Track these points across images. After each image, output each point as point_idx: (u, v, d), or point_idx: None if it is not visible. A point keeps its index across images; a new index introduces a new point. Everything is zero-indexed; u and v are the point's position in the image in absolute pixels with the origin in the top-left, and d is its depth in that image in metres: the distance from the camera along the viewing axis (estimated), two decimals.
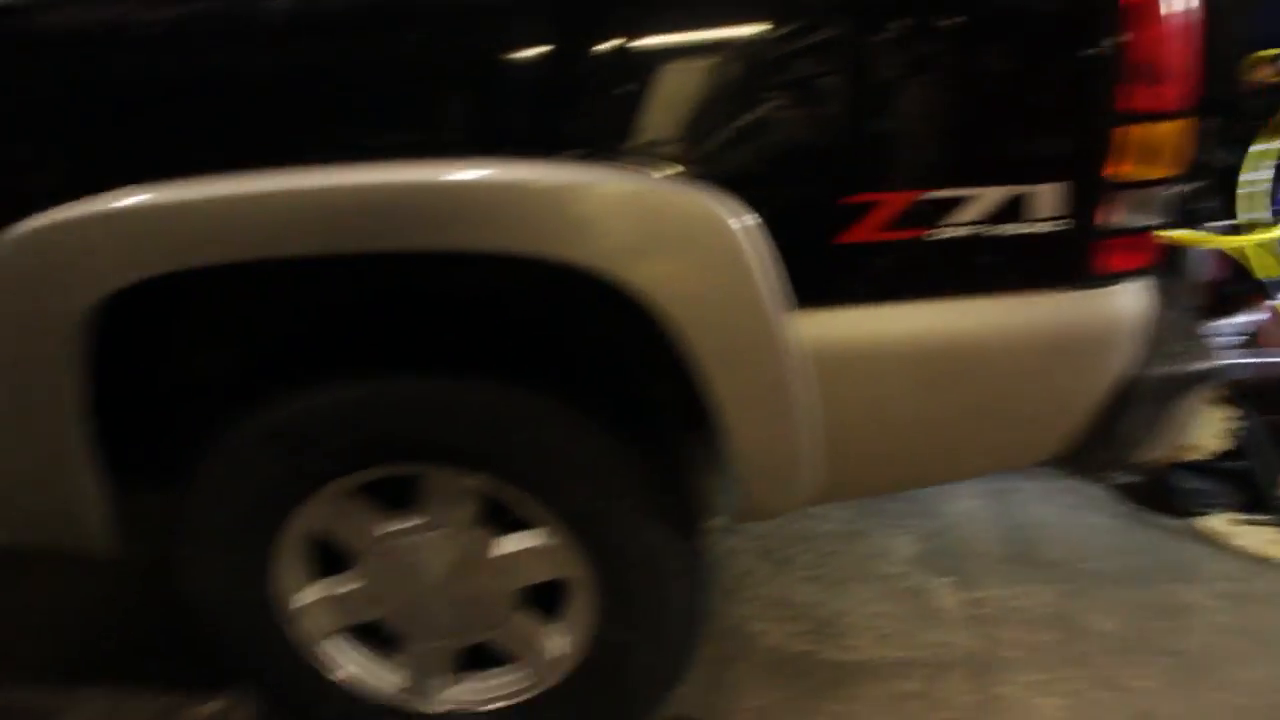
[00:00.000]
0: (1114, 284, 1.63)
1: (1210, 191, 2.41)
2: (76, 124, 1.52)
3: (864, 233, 1.53)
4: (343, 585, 1.91)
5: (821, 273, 1.56)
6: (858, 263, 1.55)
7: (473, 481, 1.75)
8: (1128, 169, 1.54)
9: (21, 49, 1.51)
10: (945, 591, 2.42)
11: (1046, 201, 1.54)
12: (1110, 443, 1.74)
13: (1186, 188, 2.42)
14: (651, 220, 1.50)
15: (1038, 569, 2.47)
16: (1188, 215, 2.43)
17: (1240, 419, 2.57)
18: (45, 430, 1.67)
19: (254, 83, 1.49)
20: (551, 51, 1.49)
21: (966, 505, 2.68)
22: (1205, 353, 1.81)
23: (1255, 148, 2.24)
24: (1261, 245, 2.29)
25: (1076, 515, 2.65)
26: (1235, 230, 2.31)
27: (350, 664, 1.98)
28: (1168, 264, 2.60)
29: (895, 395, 1.64)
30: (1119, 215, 1.57)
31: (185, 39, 1.49)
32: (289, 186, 1.47)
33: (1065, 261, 1.59)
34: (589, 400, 1.71)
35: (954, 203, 1.52)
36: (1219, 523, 2.61)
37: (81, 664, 2.43)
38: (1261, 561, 2.50)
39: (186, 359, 1.90)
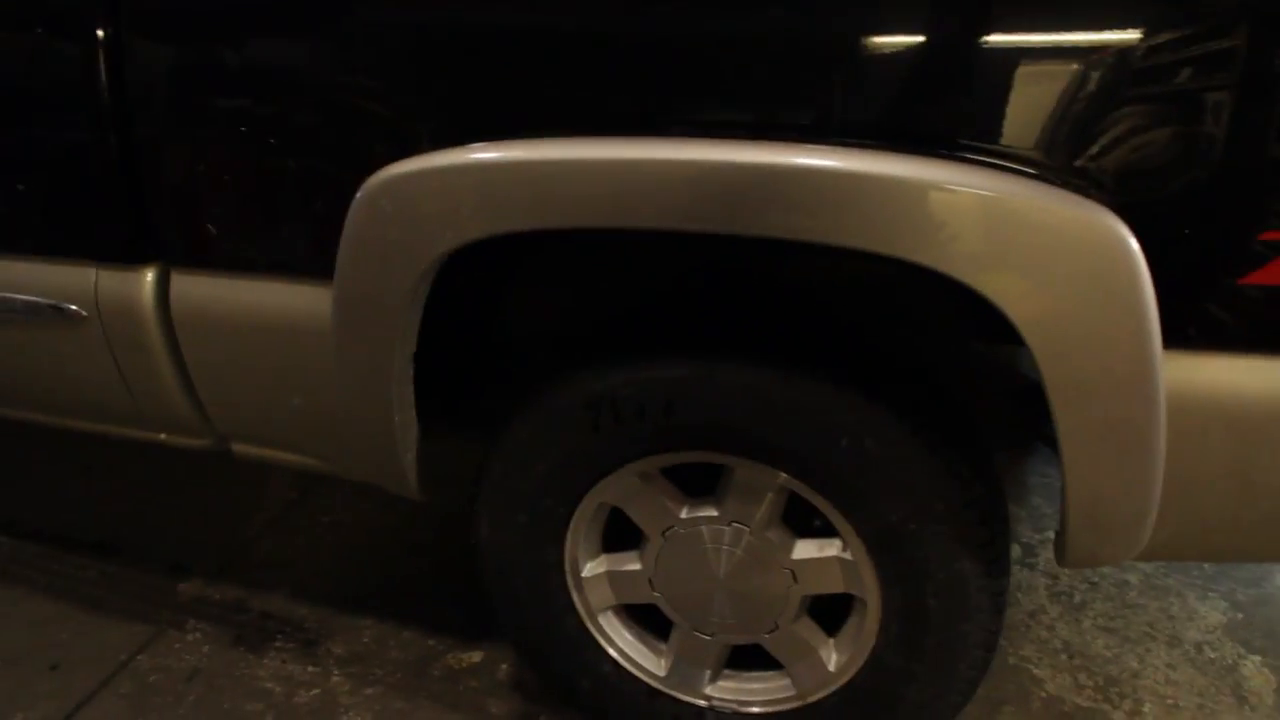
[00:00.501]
0: None
1: None
2: (448, 74, 1.50)
3: (1275, 275, 1.34)
4: (629, 563, 1.87)
5: (1213, 313, 1.38)
6: (1259, 308, 1.36)
7: (779, 480, 1.66)
8: None
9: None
10: (1254, 670, 2.18)
11: None
12: None
13: None
14: (1024, 229, 1.35)
15: None
16: None
17: None
18: (379, 369, 1.68)
19: (621, 46, 1.43)
20: (926, 38, 1.35)
21: None
22: None
23: None
24: None
25: None
26: None
27: (620, 642, 1.95)
28: None
29: (1271, 460, 1.45)
30: None
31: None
32: (654, 156, 1.40)
33: None
34: (921, 415, 1.58)
35: None
36: None
37: (360, 591, 2.51)
38: None
39: (520, 316, 1.89)
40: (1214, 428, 1.43)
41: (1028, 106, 1.34)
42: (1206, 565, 2.42)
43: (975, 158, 1.36)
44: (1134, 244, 1.32)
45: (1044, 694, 2.14)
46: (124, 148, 1.71)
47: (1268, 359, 1.40)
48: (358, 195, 1.55)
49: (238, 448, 2.02)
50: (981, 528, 1.61)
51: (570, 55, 1.45)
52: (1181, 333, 1.39)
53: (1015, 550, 2.46)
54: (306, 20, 1.56)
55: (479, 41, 1.48)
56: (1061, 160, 1.34)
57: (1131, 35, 1.29)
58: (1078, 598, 2.35)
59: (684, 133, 1.42)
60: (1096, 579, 2.40)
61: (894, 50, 1.36)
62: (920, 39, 1.35)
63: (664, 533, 1.79)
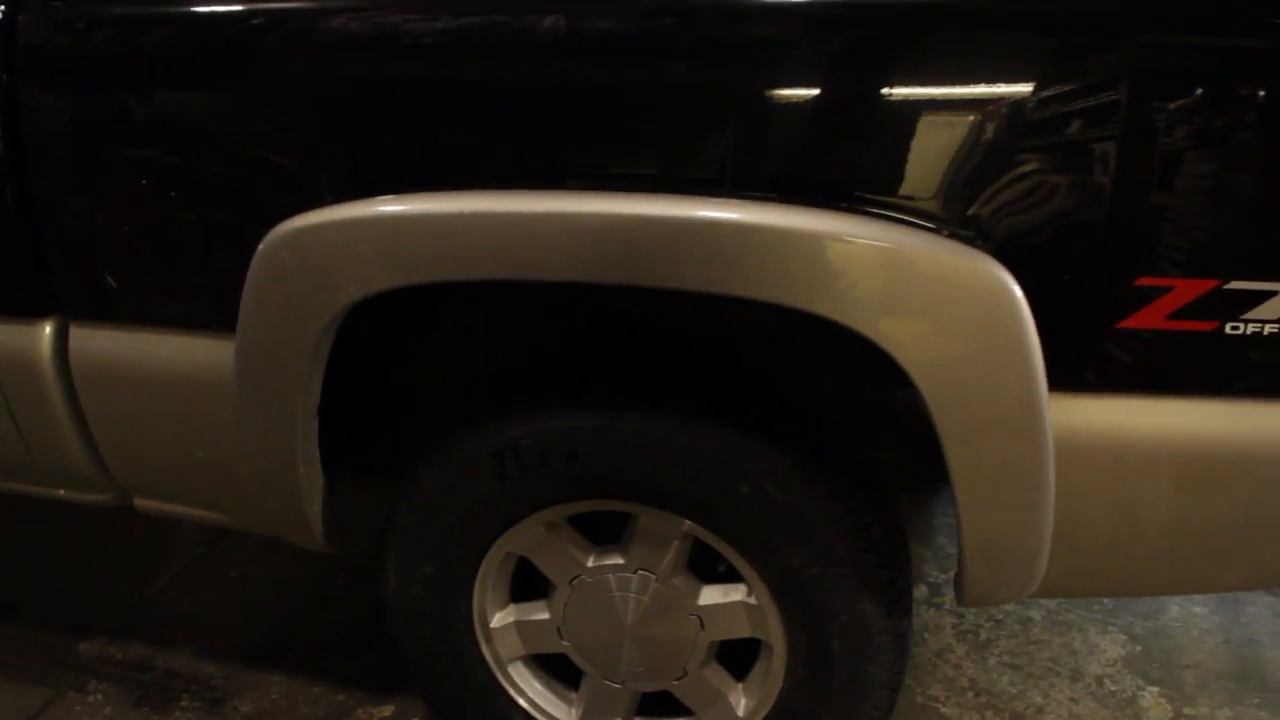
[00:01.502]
0: None
1: None
2: (351, 128, 1.51)
3: (1149, 319, 1.39)
4: (537, 613, 1.87)
5: (1094, 356, 1.43)
6: (1136, 350, 1.42)
7: (684, 527, 1.67)
8: None
9: (302, 50, 1.51)
10: (1153, 701, 2.24)
11: None
12: None
13: None
14: (918, 279, 1.39)
15: (1261, 692, 2.26)
16: None
17: None
18: (282, 422, 1.67)
19: (522, 100, 1.45)
20: (823, 94, 1.39)
21: (1187, 610, 2.47)
22: None
23: None
24: None
25: None
26: None
27: (530, 692, 1.95)
28: None
29: (1155, 496, 1.50)
30: None
31: (460, 50, 1.46)
32: (556, 209, 1.43)
33: None
34: (820, 461, 1.61)
35: (1258, 297, 1.37)
36: None
37: (269, 647, 2.47)
38: None
39: (427, 366, 1.89)
40: (1100, 466, 1.48)
41: (916, 159, 1.39)
42: (1105, 600, 2.48)
43: (868, 210, 1.40)
44: (1018, 291, 1.37)
45: None
46: (20, 199, 1.68)
47: (1148, 399, 1.45)
48: (260, 248, 1.55)
49: (140, 502, 1.99)
50: (882, 569, 1.64)
51: (472, 108, 1.47)
52: (1066, 375, 1.43)
53: (921, 590, 2.50)
54: (208, 71, 1.56)
55: (380, 94, 1.49)
56: (949, 211, 1.39)
57: (1015, 91, 1.35)
58: (983, 635, 2.40)
59: (586, 186, 1.44)
60: (1001, 616, 2.45)
61: (789, 104, 1.40)
62: (814, 93, 1.39)
63: (571, 581, 1.80)
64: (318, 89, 1.52)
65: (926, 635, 2.40)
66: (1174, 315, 1.39)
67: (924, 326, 1.41)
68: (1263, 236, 1.38)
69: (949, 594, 2.50)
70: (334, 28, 1.49)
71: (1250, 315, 1.39)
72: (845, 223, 1.40)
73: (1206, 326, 1.40)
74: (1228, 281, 1.37)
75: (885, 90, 1.37)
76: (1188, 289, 1.38)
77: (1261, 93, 1.33)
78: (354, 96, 1.50)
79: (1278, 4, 1.30)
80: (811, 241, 1.39)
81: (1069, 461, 1.46)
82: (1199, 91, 1.33)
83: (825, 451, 1.64)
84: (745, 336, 1.70)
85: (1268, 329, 1.39)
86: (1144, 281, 1.38)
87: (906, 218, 1.40)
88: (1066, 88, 1.35)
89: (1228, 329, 1.39)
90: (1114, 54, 1.34)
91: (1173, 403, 1.45)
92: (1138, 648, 2.38)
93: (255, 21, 1.52)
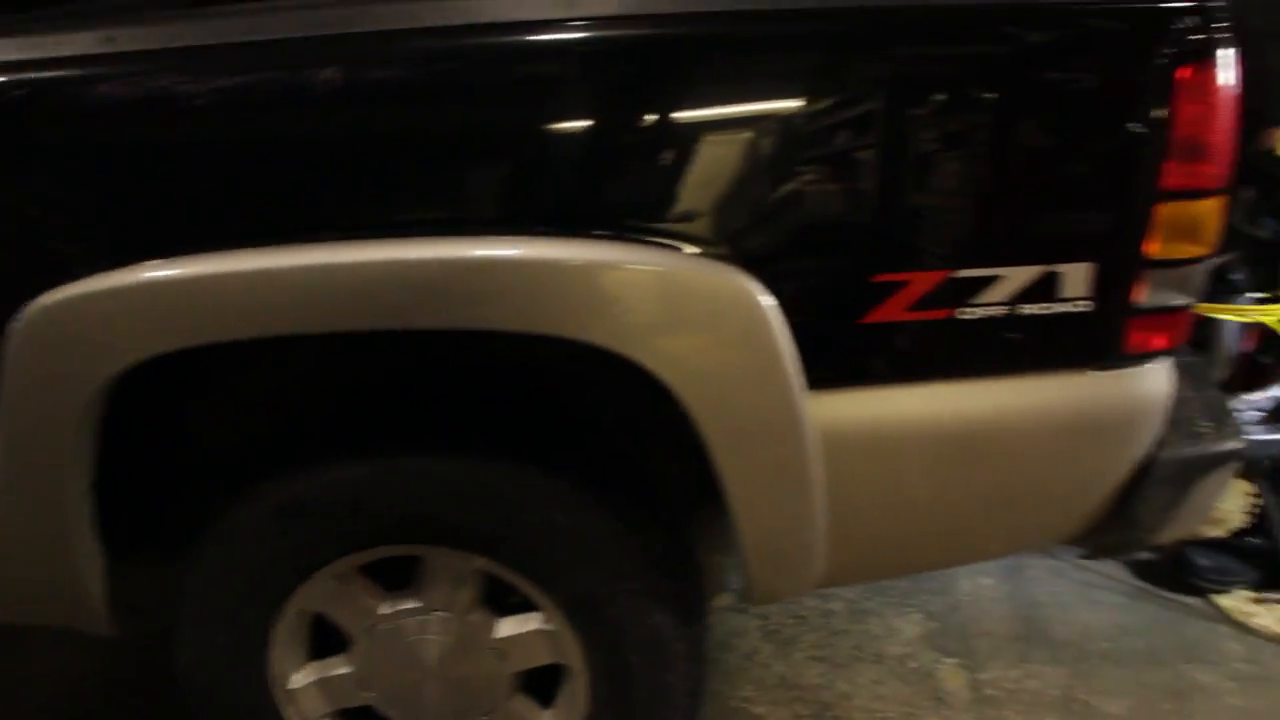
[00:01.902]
0: (1143, 363, 1.57)
1: (1245, 262, 2.38)
2: (99, 196, 1.47)
3: (890, 312, 1.47)
4: (337, 668, 1.83)
5: (845, 353, 1.51)
6: (882, 343, 1.50)
7: (475, 564, 1.67)
8: (1164, 247, 1.49)
9: (48, 120, 1.47)
10: (951, 673, 2.35)
11: (1080, 281, 1.49)
12: (1130, 524, 1.69)
13: (1221, 259, 2.42)
14: (671, 299, 1.44)
15: (1047, 649, 2.40)
16: (1222, 287, 2.41)
17: (1259, 495, 2.51)
18: (51, 503, 1.60)
19: (276, 156, 1.44)
20: (579, 128, 1.44)
21: (976, 583, 2.60)
22: (1233, 432, 1.76)
23: None
24: None
25: (1089, 594, 2.58)
26: (1266, 301, 2.27)
27: None
28: (1198, 338, 2.58)
29: (915, 478, 1.58)
30: (1152, 294, 1.52)
31: (209, 111, 1.43)
32: (304, 263, 1.42)
33: (1095, 341, 1.54)
34: (599, 482, 1.64)
35: (984, 283, 1.47)
36: (1236, 601, 2.54)
37: None
38: (1278, 641, 2.43)
39: (196, 433, 1.84)
40: (863, 456, 1.56)
41: (668, 185, 1.44)
42: (901, 583, 2.58)
43: (631, 236, 1.44)
44: (767, 300, 1.43)
45: None
46: None
47: (900, 387, 1.54)
48: (15, 326, 1.48)
49: None
50: (670, 581, 1.68)
51: (230, 168, 1.45)
52: (822, 374, 1.50)
53: (725, 598, 2.56)
54: None
55: (134, 162, 1.45)
56: (702, 231, 1.44)
57: (749, 112, 1.43)
58: (788, 633, 2.47)
59: (351, 235, 1.44)
60: (804, 613, 2.52)
61: (550, 141, 1.44)
62: (571, 129, 1.44)
63: (368, 631, 1.77)
64: (65, 160, 1.47)
65: (734, 640, 2.45)
66: (913, 307, 1.47)
67: (682, 345, 1.46)
68: (983, 227, 1.48)
69: None
70: (77, 94, 1.45)
71: (979, 300, 1.48)
72: (604, 250, 1.43)
73: (942, 314, 1.48)
74: (957, 270, 1.46)
75: (632, 122, 1.43)
76: (923, 281, 1.46)
77: (979, 96, 1.44)
78: (104, 164, 1.46)
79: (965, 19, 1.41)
80: (570, 272, 1.42)
81: (833, 455, 1.53)
82: (918, 99, 1.43)
83: (607, 474, 1.67)
84: (524, 370, 1.71)
85: (995, 311, 1.48)
86: (882, 278, 1.46)
87: (664, 241, 1.45)
88: (794, 106, 1.43)
89: (964, 315, 1.48)
90: (833, 72, 1.43)
91: (922, 388, 1.53)
92: (934, 624, 2.48)
93: None
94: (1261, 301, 2.29)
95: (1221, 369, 2.54)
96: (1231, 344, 2.52)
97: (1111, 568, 2.68)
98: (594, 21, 1.41)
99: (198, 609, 1.76)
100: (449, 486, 1.60)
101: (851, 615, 2.50)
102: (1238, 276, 2.41)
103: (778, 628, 2.48)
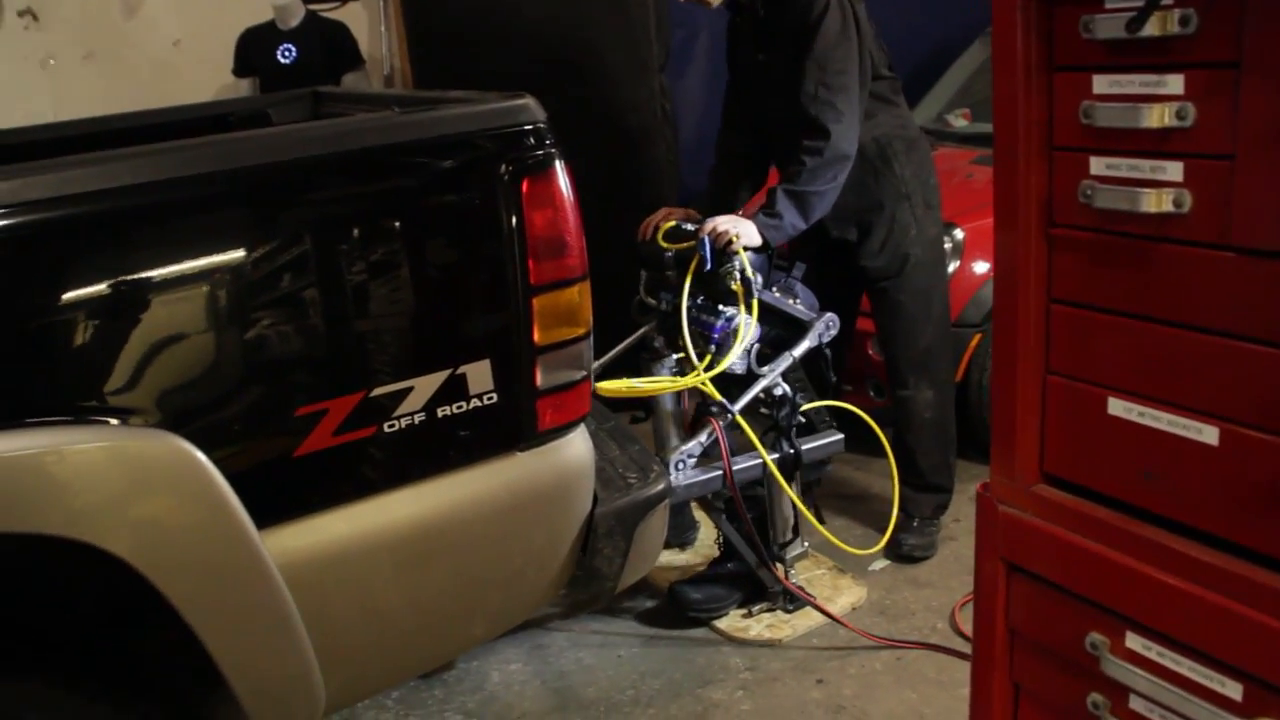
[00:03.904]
0: (560, 436, 1.80)
1: (659, 330, 2.73)
2: None
3: (319, 441, 1.59)
4: None
5: (288, 487, 1.60)
6: (320, 470, 1.61)
7: None
8: (546, 334, 1.73)
9: None
10: None
11: (484, 376, 1.69)
12: (593, 575, 1.90)
13: (641, 332, 2.78)
14: (109, 474, 1.47)
15: (581, 712, 2.58)
16: (649, 355, 2.74)
17: (719, 527, 2.86)
18: None
19: None
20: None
21: (505, 671, 2.75)
22: (658, 478, 2.03)
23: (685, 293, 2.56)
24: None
25: (607, 652, 2.80)
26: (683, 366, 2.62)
27: None
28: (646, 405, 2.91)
29: (384, 587, 1.70)
30: (549, 375, 1.75)
31: None
32: None
33: (513, 426, 1.75)
34: (97, 678, 1.62)
35: (400, 395, 1.63)
36: (730, 621, 2.86)
37: None
38: (769, 645, 2.76)
39: None
40: (331, 578, 1.66)
41: (96, 363, 1.49)
42: (435, 690, 2.68)
43: (64, 419, 1.46)
44: (201, 456, 1.49)
45: None
46: None
47: (350, 505, 1.65)
48: None
49: None
50: None
51: None
52: (273, 510, 1.59)
53: None
54: None
55: None
56: (133, 403, 1.50)
57: (156, 279, 1.51)
58: None
59: None
60: None
61: None
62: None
63: None
64: None
65: None
66: (339, 431, 1.60)
67: (128, 517, 1.49)
68: (389, 344, 1.65)
69: None
70: None
71: (399, 412, 1.64)
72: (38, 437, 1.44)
73: (369, 432, 1.63)
74: (371, 390, 1.62)
75: (44, 306, 1.46)
76: (342, 406, 1.60)
77: (361, 228, 1.61)
78: None
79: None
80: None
81: (300, 585, 1.61)
82: (305, 240, 1.58)
83: (101, 669, 1.65)
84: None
85: (417, 418, 1.65)
86: (303, 411, 1.58)
87: (97, 418, 1.48)
88: (193, 266, 1.54)
89: (387, 428, 1.63)
90: (220, 230, 1.56)
91: (368, 503, 1.66)
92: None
93: None
94: (680, 363, 2.65)
95: (668, 425, 2.89)
96: (669, 404, 2.88)
97: (622, 623, 2.92)
98: None
99: None
100: None
101: None
102: (657, 343, 2.77)
103: None
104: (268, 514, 1.57)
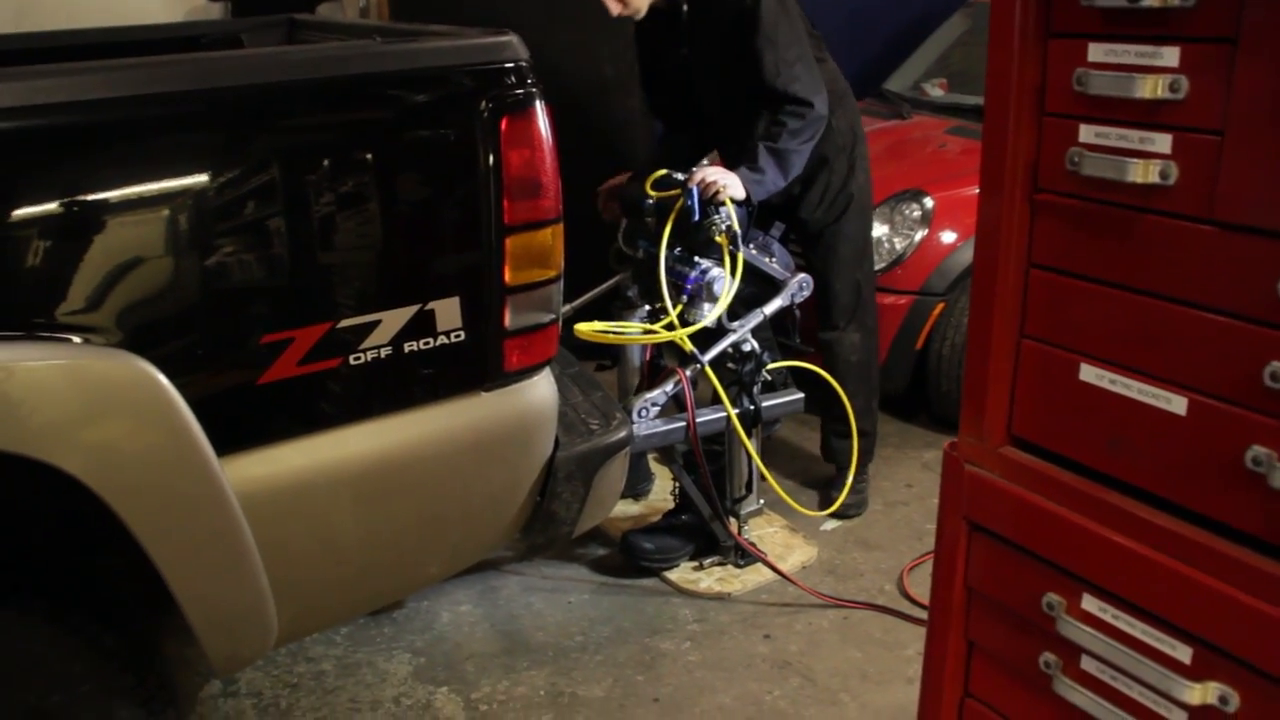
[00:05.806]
0: (525, 378, 1.80)
1: (634, 279, 2.73)
2: None
3: (283, 370, 1.58)
4: None
5: (250, 415, 1.59)
6: (283, 399, 1.60)
7: None
8: (517, 274, 1.72)
9: None
10: (446, 700, 2.48)
11: (452, 314, 1.68)
12: (550, 520, 1.91)
13: (617, 279, 2.78)
14: (68, 393, 1.44)
15: (529, 655, 2.60)
16: (621, 304, 2.75)
17: (677, 478, 2.87)
18: None
19: None
20: None
21: (455, 612, 2.76)
22: (619, 425, 2.03)
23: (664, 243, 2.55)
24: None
25: (558, 598, 2.82)
26: (655, 317, 2.62)
27: None
28: (612, 352, 2.91)
29: (342, 520, 1.70)
30: (518, 317, 1.74)
31: None
32: None
33: (479, 365, 1.74)
34: (55, 602, 1.60)
35: (367, 328, 1.62)
36: (681, 573, 2.88)
37: None
38: (719, 598, 2.79)
39: None
40: (288, 509, 1.65)
41: (57, 276, 1.46)
42: (385, 628, 2.69)
43: (18, 335, 1.43)
44: (162, 379, 1.48)
45: None
46: None
47: (310, 437, 1.65)
48: None
49: None
50: (127, 675, 1.67)
51: None
52: (233, 438, 1.57)
53: (215, 686, 2.53)
54: None
55: None
56: (95, 321, 1.47)
57: (126, 198, 1.49)
58: (284, 703, 2.48)
59: None
60: (295, 680, 2.55)
61: None
62: None
63: None
64: None
65: None
66: (304, 361, 1.59)
67: (86, 437, 1.47)
68: (358, 276, 1.63)
69: (242, 679, 2.56)
70: None
71: (366, 345, 1.63)
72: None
73: (334, 363, 1.61)
74: (339, 321, 1.60)
75: (9, 215, 1.42)
76: (307, 336, 1.59)
77: (337, 158, 1.58)
78: None
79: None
80: None
81: (258, 513, 1.60)
82: (274, 166, 1.55)
83: (58, 595, 1.63)
84: None
85: (383, 352, 1.64)
86: (268, 339, 1.56)
87: (55, 335, 1.45)
88: (165, 187, 1.51)
89: (353, 361, 1.62)
90: (196, 151, 1.53)
91: (330, 435, 1.65)
92: (421, 660, 2.61)
93: None
94: (653, 314, 2.64)
95: (633, 375, 2.90)
96: (636, 355, 2.88)
97: (574, 570, 2.94)
98: None
99: None
100: None
101: (342, 671, 2.57)
102: (631, 292, 2.76)
103: (273, 700, 2.49)
104: (228, 441, 1.56)
